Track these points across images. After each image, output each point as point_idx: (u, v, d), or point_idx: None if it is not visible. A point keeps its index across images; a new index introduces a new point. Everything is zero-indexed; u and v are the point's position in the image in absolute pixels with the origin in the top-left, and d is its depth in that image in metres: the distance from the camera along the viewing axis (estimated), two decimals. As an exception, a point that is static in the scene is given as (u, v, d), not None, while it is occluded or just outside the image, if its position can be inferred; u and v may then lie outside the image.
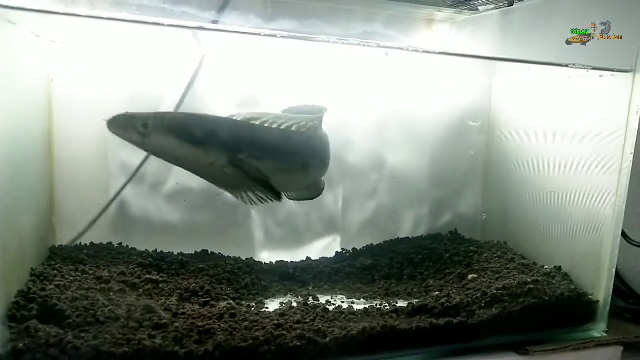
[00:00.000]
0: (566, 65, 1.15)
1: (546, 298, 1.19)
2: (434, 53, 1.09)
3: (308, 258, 1.53)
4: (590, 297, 1.25)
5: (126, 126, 1.06)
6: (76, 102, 1.34)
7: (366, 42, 0.97)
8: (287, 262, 1.50)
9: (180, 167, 1.19)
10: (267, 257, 1.53)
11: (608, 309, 1.25)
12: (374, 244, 1.60)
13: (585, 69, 1.14)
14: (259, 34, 0.90)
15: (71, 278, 1.11)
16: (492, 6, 1.51)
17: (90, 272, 1.18)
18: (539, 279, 1.24)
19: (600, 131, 1.24)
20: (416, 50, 1.06)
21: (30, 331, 0.87)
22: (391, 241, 1.62)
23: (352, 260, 1.50)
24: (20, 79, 1.08)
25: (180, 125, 1.11)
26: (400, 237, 1.64)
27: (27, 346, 0.84)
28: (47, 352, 0.84)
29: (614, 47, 1.18)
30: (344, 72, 1.47)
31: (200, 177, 1.21)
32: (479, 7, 1.55)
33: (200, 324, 1.00)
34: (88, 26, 1.18)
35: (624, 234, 1.28)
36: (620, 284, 1.45)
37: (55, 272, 1.13)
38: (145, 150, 1.20)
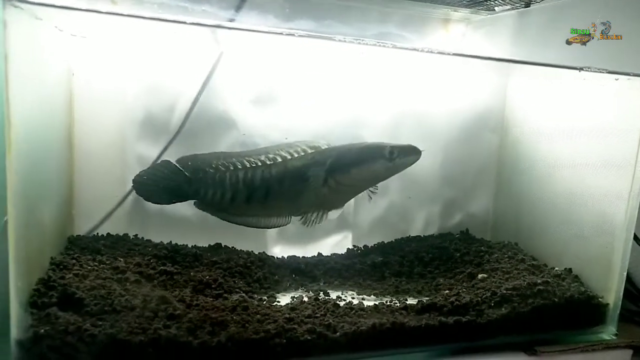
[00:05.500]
0: (581, 69, 1.15)
1: (556, 299, 1.20)
2: (448, 54, 1.09)
3: (319, 254, 1.55)
4: (600, 299, 1.25)
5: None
6: (95, 96, 1.37)
7: (382, 43, 0.98)
8: (299, 257, 1.52)
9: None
10: (279, 252, 1.55)
11: (618, 312, 1.26)
12: (385, 242, 1.61)
13: (600, 72, 1.14)
14: (280, 33, 0.91)
15: (89, 267, 1.14)
16: (509, 7, 1.51)
17: (107, 262, 1.21)
18: (549, 280, 1.24)
19: (614, 134, 1.24)
20: (430, 52, 1.06)
21: (51, 318, 0.90)
22: (402, 239, 1.63)
23: (363, 257, 1.52)
24: (44, 72, 1.10)
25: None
26: (411, 235, 1.65)
27: (47, 332, 0.87)
28: (66, 338, 0.87)
29: (631, 50, 1.18)
30: (359, 70, 1.48)
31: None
32: (495, 8, 1.55)
33: (214, 315, 1.02)
34: (109, 21, 1.20)
35: (635, 238, 1.28)
36: (631, 287, 1.45)
37: (74, 261, 1.16)
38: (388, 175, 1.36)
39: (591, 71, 1.14)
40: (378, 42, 0.98)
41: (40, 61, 1.06)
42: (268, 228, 1.44)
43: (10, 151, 0.83)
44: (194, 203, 1.39)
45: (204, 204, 1.38)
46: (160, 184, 1.35)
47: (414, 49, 1.08)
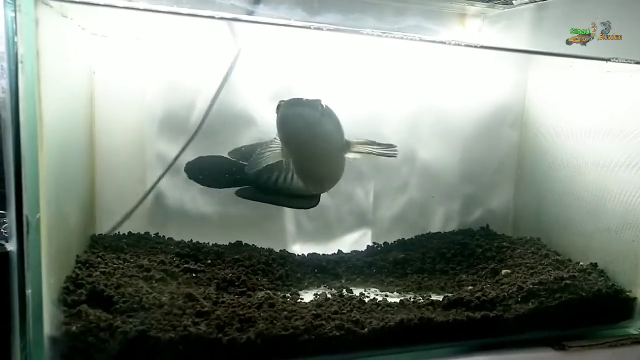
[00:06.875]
0: (608, 60, 1.13)
1: (583, 294, 1.19)
2: (475, 47, 1.08)
3: (339, 251, 1.54)
4: (628, 294, 1.24)
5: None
6: (115, 94, 1.37)
7: (409, 36, 0.97)
8: (319, 254, 1.52)
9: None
10: (298, 249, 1.54)
11: (646, 306, 1.24)
12: (405, 239, 1.60)
13: (628, 63, 1.13)
14: (309, 27, 0.91)
15: (114, 265, 1.14)
16: (527, -1, 1.49)
17: (131, 260, 1.21)
18: (575, 274, 1.23)
19: (641, 126, 1.23)
20: (458, 44, 1.05)
21: (82, 315, 0.90)
22: (422, 236, 1.62)
23: (384, 254, 1.51)
24: (69, 71, 1.11)
25: None
26: (432, 232, 1.64)
27: (80, 329, 0.87)
28: (98, 335, 0.87)
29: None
30: (378, 65, 1.47)
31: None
32: (513, 1, 1.53)
33: (241, 312, 1.02)
34: (128, 20, 1.20)
35: (662, 231, 1.27)
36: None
37: (99, 259, 1.16)
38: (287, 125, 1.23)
39: (618, 62, 1.13)
40: (405, 36, 0.98)
41: (65, 59, 1.06)
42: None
43: (42, 148, 0.84)
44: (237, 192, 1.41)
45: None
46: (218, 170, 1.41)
47: (442, 42, 1.07)
